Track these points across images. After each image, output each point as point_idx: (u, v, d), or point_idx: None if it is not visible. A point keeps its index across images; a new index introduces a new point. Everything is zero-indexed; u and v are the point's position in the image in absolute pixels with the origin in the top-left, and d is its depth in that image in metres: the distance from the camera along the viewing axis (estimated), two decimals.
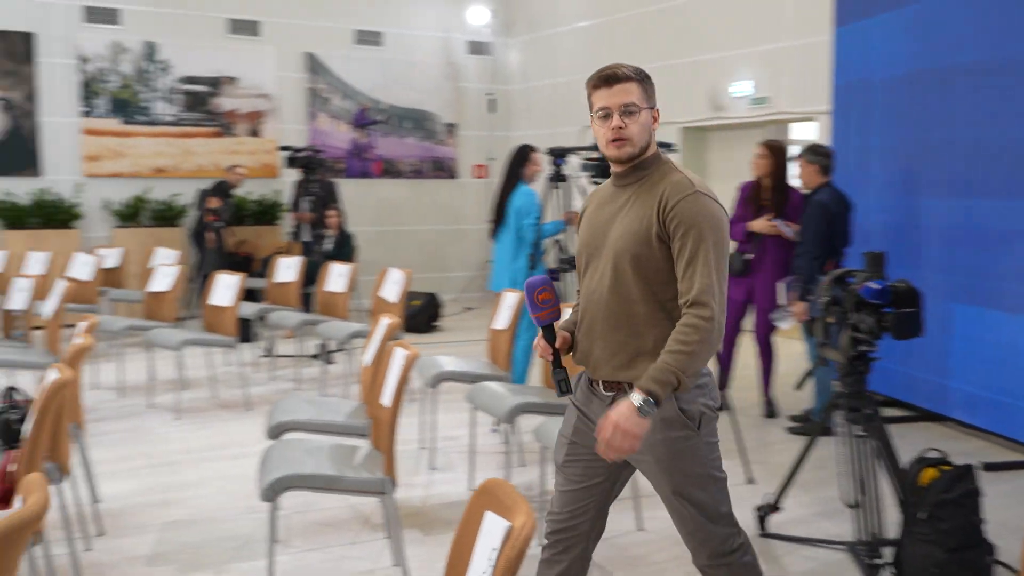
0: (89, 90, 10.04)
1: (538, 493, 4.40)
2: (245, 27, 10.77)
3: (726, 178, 9.71)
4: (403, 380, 3.43)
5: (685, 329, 2.40)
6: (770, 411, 6.17)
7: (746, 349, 6.62)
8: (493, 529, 1.81)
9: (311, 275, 7.97)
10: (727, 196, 8.88)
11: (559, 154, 5.62)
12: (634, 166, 2.59)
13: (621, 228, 2.55)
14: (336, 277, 7.25)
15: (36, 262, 8.25)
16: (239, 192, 10.22)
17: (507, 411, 4.25)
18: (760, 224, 5.86)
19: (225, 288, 6.46)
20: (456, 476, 4.94)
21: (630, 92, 2.53)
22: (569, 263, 5.75)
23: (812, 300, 4.30)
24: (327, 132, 11.22)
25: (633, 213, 2.54)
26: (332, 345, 7.62)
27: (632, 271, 2.51)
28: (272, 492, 3.26)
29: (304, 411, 4.17)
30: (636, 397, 2.38)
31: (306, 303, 7.99)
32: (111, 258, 8.99)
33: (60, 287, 5.63)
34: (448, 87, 11.93)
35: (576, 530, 2.66)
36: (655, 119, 2.59)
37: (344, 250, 9.42)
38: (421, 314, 9.71)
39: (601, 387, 2.61)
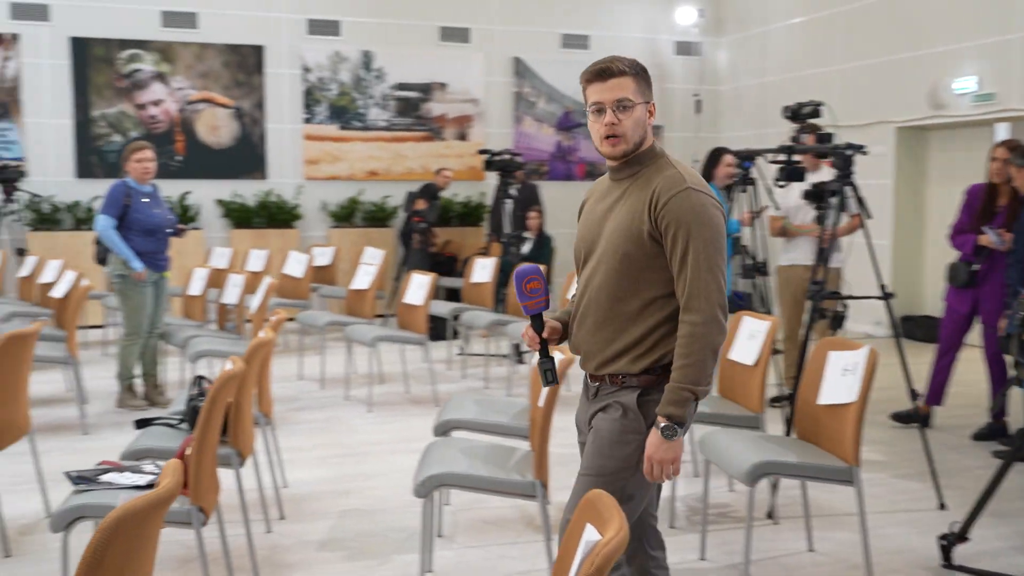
0: (311, 98, 10.66)
1: (700, 507, 4.27)
2: (456, 34, 11.10)
3: (946, 182, 9.10)
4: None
5: (682, 341, 2.43)
6: (991, 432, 5.69)
7: (964, 365, 6.14)
8: (585, 541, 1.77)
9: (507, 276, 8.11)
10: (946, 200, 8.36)
11: (746, 157, 5.44)
12: (628, 161, 2.56)
13: (614, 224, 2.54)
14: None
15: (256, 259, 8.85)
16: (446, 194, 10.54)
17: None
18: (986, 239, 5.44)
19: (417, 287, 6.68)
20: None
21: (624, 87, 2.49)
22: (755, 267, 5.56)
23: (1011, 315, 3.94)
24: (532, 135, 11.38)
25: (626, 209, 2.53)
26: (523, 346, 7.73)
27: (622, 268, 2.51)
28: (424, 488, 3.34)
29: (471, 410, 4.24)
30: (659, 423, 2.44)
31: (502, 303, 8.14)
32: (324, 256, 9.50)
33: (266, 283, 6.00)
34: (654, 88, 11.79)
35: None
36: (651, 113, 2.57)
37: (543, 252, 9.52)
38: None
39: (588, 378, 2.66)
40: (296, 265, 8.57)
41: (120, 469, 3.31)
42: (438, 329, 8.52)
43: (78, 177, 9.93)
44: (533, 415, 3.66)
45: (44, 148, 9.88)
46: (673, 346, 2.47)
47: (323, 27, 10.66)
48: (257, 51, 10.45)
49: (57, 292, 6.73)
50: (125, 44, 10.04)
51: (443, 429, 4.11)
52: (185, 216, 10.11)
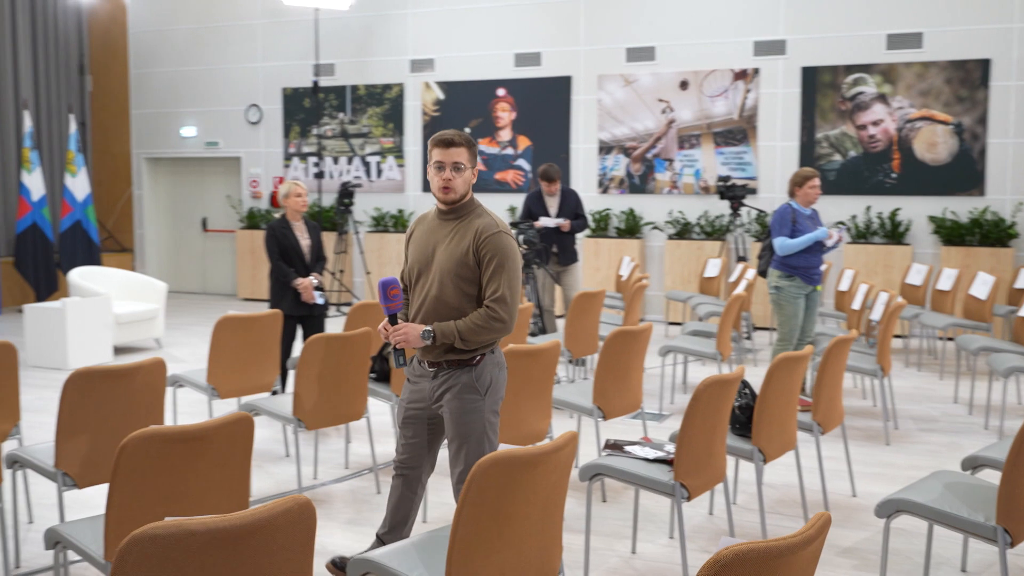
0: None
1: None
2: None
3: None
4: None
5: (483, 316, 3.53)
6: None
7: None
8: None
9: None
10: None
11: None
12: (455, 207, 3.63)
13: (447, 252, 3.59)
14: None
15: (946, 278, 8.85)
16: None
17: None
18: None
19: None
20: None
21: (460, 155, 3.56)
22: None
23: None
24: None
25: (456, 242, 3.59)
26: None
27: (453, 284, 3.57)
28: (882, 510, 3.52)
29: None
30: (425, 330, 3.54)
31: None
32: None
33: (882, 299, 6.24)
34: None
35: (416, 470, 3.80)
36: (474, 175, 3.62)
37: None
38: None
39: (426, 364, 3.68)
40: (981, 287, 8.36)
41: (647, 444, 4.15)
42: None
43: None
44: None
45: (771, 168, 11.10)
46: (482, 336, 3.54)
47: None
48: (983, 65, 10.21)
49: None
50: (850, 69, 10.70)
51: (971, 464, 4.09)
52: (895, 232, 10.43)
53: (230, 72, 13.61)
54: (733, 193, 10.51)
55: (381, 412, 6.68)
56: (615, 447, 4.11)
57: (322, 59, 12.91)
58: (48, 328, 8.49)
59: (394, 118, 12.76)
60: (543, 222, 8.38)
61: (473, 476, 2.67)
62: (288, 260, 6.52)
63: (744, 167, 11.21)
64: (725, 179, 10.68)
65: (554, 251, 8.52)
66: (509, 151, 12.21)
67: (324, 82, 12.97)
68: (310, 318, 6.61)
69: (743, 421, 4.38)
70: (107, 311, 8.83)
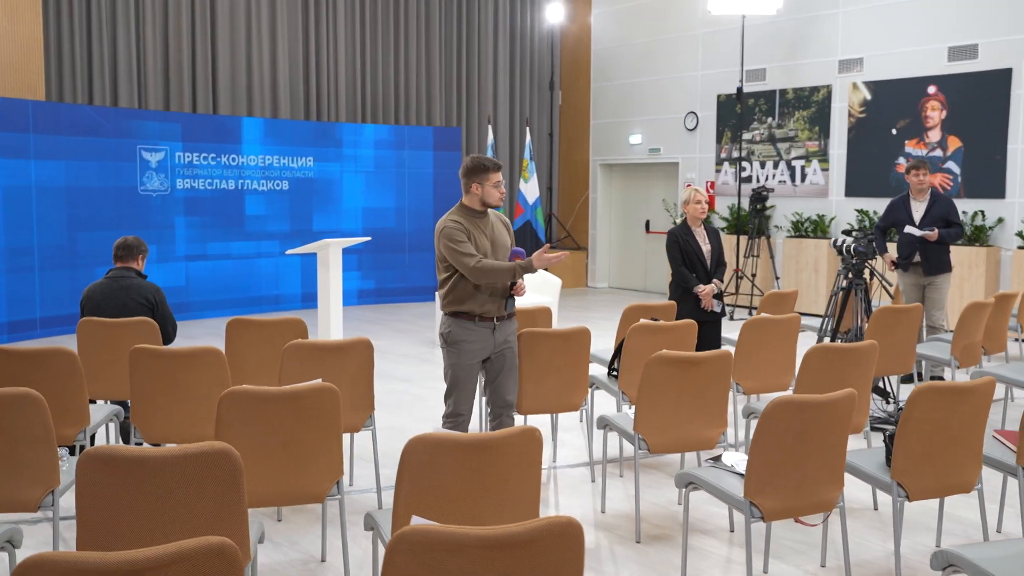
0: None
1: None
2: None
3: None
4: None
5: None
6: None
7: None
8: None
9: None
10: None
11: None
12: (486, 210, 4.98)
13: (500, 239, 4.93)
14: None
15: None
16: None
17: None
18: None
19: None
20: None
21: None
22: None
23: None
24: None
25: (501, 231, 4.97)
26: None
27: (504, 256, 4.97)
28: (935, 560, 3.13)
29: None
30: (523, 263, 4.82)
31: None
32: None
33: None
34: None
35: (470, 414, 4.98)
36: None
37: None
38: None
39: (482, 320, 4.87)
40: None
41: None
42: None
43: None
44: None
45: None
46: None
47: None
48: None
49: None
50: None
51: None
52: None
53: (672, 82, 14.29)
54: None
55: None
56: (716, 460, 4.07)
57: (754, 64, 13.01)
58: None
59: (820, 121, 12.44)
60: (909, 231, 7.81)
61: (404, 452, 3.07)
62: (690, 266, 6.65)
63: None
64: None
65: (916, 260, 7.90)
66: (937, 153, 11.27)
67: (755, 87, 13.07)
68: (705, 324, 6.55)
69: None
70: None
